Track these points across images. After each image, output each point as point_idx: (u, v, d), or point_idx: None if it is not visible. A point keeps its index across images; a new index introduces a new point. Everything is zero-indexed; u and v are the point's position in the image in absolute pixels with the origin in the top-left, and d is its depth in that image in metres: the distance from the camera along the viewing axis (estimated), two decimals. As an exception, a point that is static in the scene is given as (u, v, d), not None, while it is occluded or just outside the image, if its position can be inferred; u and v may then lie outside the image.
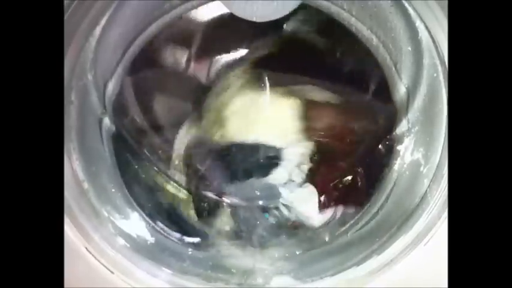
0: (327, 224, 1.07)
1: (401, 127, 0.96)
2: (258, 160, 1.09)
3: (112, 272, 0.86)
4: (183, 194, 1.13)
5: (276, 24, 0.89)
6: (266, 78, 1.14)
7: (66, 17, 0.74)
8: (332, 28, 1.01)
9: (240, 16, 0.85)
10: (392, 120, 0.99)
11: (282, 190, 1.11)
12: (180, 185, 1.14)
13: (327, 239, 1.02)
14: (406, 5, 0.85)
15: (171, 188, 1.13)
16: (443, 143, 0.86)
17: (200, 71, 1.15)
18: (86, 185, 0.88)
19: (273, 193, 1.12)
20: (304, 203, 1.10)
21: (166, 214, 1.05)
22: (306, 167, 1.12)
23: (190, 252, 0.99)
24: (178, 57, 1.14)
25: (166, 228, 1.01)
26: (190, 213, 1.11)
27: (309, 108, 1.08)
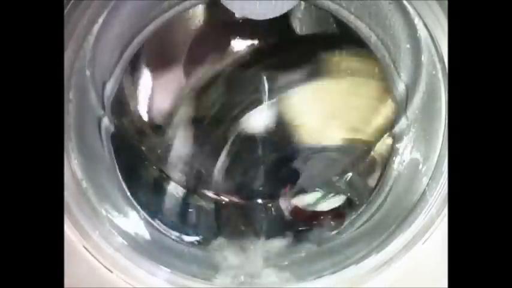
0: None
1: (400, 125, 0.96)
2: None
3: (111, 271, 0.86)
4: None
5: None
6: (265, 78, 1.14)
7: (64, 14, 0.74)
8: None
9: (239, 14, 0.85)
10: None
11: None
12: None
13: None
14: (405, 2, 0.85)
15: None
16: (442, 141, 0.86)
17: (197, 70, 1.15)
18: (84, 184, 0.87)
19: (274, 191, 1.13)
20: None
21: (165, 213, 1.05)
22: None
23: (189, 251, 0.99)
24: (176, 56, 1.14)
25: (165, 227, 1.01)
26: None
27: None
